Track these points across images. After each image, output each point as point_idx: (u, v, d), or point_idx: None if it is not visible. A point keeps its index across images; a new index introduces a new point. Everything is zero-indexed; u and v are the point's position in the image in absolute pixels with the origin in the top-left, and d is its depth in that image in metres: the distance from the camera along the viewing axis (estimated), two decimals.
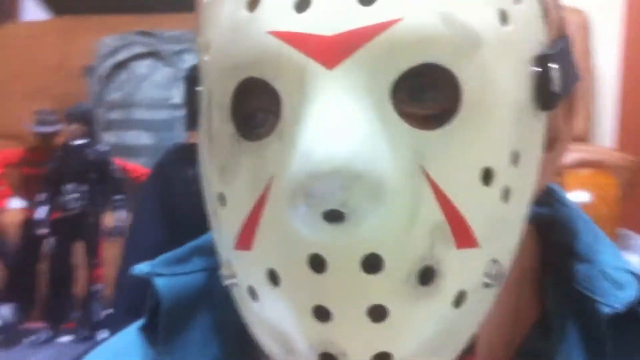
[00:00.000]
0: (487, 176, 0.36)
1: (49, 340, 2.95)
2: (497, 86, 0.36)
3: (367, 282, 0.34)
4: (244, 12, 0.36)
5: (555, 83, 0.38)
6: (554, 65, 0.38)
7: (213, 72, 0.38)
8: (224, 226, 0.39)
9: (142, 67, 3.15)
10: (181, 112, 2.90)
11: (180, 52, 3.12)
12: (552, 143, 0.42)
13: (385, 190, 0.34)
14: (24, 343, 2.94)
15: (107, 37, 3.28)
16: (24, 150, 2.99)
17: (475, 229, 0.36)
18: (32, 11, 3.61)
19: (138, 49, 3.07)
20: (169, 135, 2.84)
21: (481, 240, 0.36)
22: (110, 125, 3.26)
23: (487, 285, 0.37)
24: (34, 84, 3.37)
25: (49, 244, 2.93)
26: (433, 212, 0.35)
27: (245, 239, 0.37)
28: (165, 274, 0.46)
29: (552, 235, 0.47)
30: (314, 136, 0.33)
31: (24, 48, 3.48)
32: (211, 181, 0.39)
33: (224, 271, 0.39)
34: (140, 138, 3.11)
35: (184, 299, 0.46)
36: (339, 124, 0.34)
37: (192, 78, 0.40)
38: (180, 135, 2.87)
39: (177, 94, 3.08)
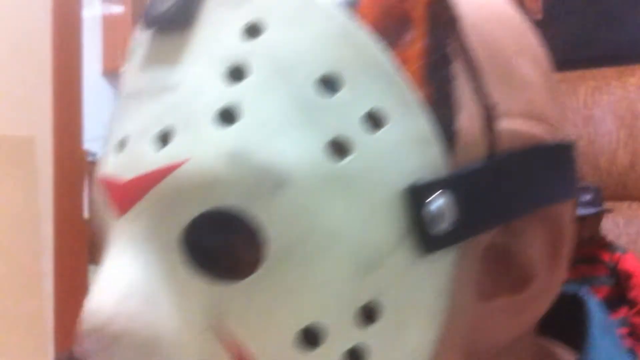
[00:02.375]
0: (309, 338, 0.30)
1: None
2: (320, 231, 0.30)
3: None
4: None
5: (440, 220, 0.30)
6: (435, 199, 0.30)
7: None
8: None
9: None
10: None
11: None
12: (523, 283, 0.34)
13: (160, 349, 0.31)
14: None
15: None
16: None
17: None
18: None
19: None
20: None
21: None
22: None
23: None
24: None
25: None
26: None
27: None
28: None
29: None
30: (92, 292, 0.32)
31: None
32: None
33: None
34: None
35: None
36: (110, 279, 0.31)
37: None
38: None
39: None
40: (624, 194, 2.75)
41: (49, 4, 2.53)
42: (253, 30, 0.32)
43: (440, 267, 0.31)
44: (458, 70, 0.32)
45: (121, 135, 0.34)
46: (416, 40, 0.32)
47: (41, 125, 2.56)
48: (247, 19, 0.32)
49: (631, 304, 1.76)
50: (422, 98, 0.31)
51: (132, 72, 0.35)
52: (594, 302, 0.40)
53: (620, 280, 1.76)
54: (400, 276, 0.31)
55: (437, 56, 0.32)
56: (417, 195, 0.30)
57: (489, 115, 0.33)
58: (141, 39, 0.35)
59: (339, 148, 0.30)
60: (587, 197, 1.82)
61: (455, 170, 0.31)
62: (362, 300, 0.30)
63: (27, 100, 2.49)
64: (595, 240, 1.82)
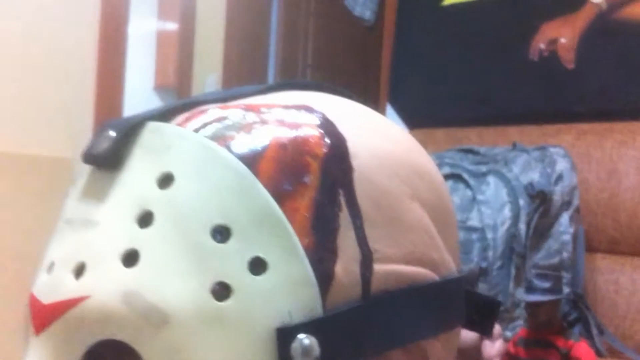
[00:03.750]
0: None
1: None
2: None
3: None
4: None
5: (305, 356, 0.34)
6: (303, 338, 0.35)
7: None
8: None
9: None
10: (477, 235, 2.78)
11: (484, 174, 3.04)
12: None
13: None
14: None
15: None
16: None
17: None
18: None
19: (445, 170, 3.05)
20: (464, 257, 2.76)
21: None
22: None
23: None
24: None
25: None
26: None
27: None
28: None
29: None
30: None
31: None
32: None
33: None
34: None
35: None
36: None
37: None
38: (474, 258, 2.78)
39: (475, 217, 3.00)
40: None
41: (96, 23, 2.58)
42: (165, 181, 0.36)
43: None
44: (343, 220, 0.36)
45: (51, 258, 0.38)
46: (308, 191, 0.36)
47: (81, 146, 2.62)
48: (162, 169, 0.37)
49: None
50: (306, 245, 0.35)
51: (71, 199, 0.40)
52: None
53: None
54: None
55: (324, 208, 0.36)
56: (286, 334, 0.35)
57: (367, 261, 0.37)
58: (84, 169, 0.40)
59: (222, 290, 0.35)
60: (547, 284, 1.91)
61: (326, 312, 0.35)
62: None
63: (68, 121, 2.54)
64: (551, 325, 1.90)
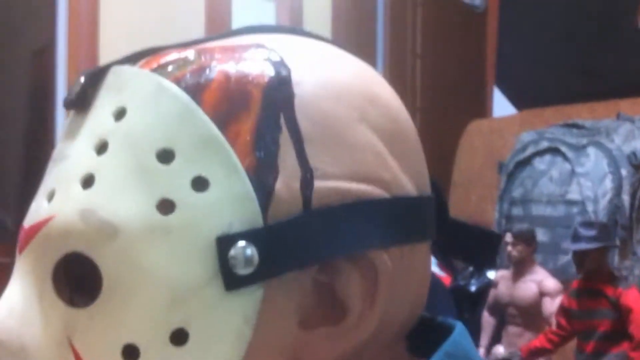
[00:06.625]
0: (129, 353, 0.38)
1: None
2: (142, 271, 0.38)
3: None
4: None
5: (245, 264, 0.37)
6: (242, 246, 0.37)
7: None
8: None
9: (542, 163, 2.93)
10: (577, 208, 2.67)
11: (584, 147, 2.89)
12: (341, 315, 0.39)
13: (27, 356, 0.40)
14: None
15: (524, 132, 3.13)
16: None
17: None
18: (504, 107, 3.65)
19: (543, 145, 2.93)
20: (564, 232, 2.63)
21: None
22: (511, 221, 3.12)
23: None
24: (490, 182, 3.41)
25: None
26: None
27: None
28: None
29: None
30: None
31: (486, 143, 3.56)
32: None
33: None
34: (537, 234, 2.76)
35: None
36: (1, 303, 0.41)
37: None
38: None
39: (574, 190, 2.86)
40: None
41: (202, 12, 2.74)
42: (119, 114, 0.40)
43: (247, 301, 0.38)
44: (283, 140, 0.39)
45: (38, 191, 0.43)
46: (250, 116, 0.39)
47: None
48: (118, 105, 0.40)
49: (630, 338, 1.73)
50: (247, 164, 0.38)
51: (58, 142, 0.46)
52: (459, 332, 0.44)
53: (622, 315, 1.74)
54: (208, 308, 0.37)
55: (265, 130, 0.39)
56: (225, 241, 0.37)
57: (307, 178, 0.39)
58: (68, 115, 0.46)
59: (167, 205, 0.38)
60: (592, 232, 1.80)
61: (266, 223, 0.37)
62: (173, 326, 0.37)
63: None
64: (600, 274, 1.79)
